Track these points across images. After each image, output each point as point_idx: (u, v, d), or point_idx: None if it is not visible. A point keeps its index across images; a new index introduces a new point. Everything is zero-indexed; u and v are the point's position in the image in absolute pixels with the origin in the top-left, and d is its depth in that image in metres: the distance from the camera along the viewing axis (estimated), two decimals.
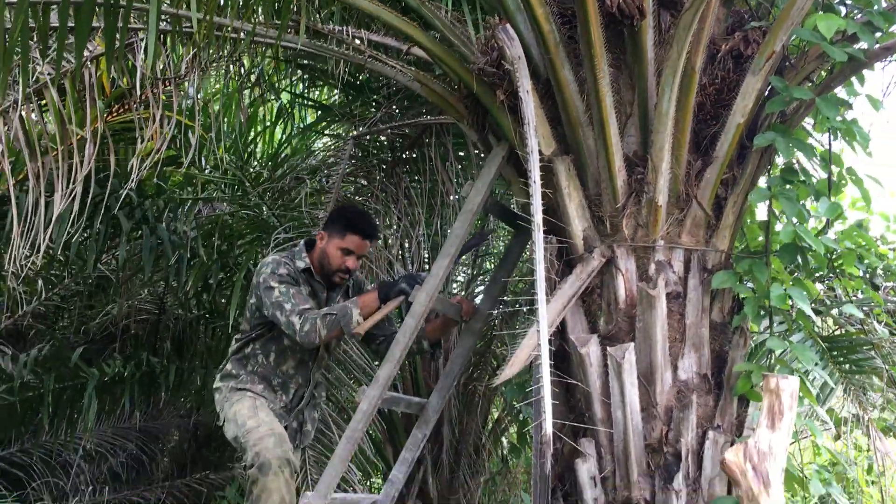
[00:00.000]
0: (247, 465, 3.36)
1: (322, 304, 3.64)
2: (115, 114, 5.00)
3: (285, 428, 3.54)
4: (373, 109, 5.26)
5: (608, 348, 3.12)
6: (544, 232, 3.19)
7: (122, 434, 6.02)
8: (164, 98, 4.06)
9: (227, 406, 3.54)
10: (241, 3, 3.54)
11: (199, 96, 5.16)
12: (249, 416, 3.45)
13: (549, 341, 3.14)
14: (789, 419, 2.34)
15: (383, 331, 3.70)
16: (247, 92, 5.77)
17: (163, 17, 3.75)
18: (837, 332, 4.90)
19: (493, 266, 6.20)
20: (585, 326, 3.29)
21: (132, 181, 3.79)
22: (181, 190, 5.62)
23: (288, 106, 5.94)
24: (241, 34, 3.66)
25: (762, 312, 3.13)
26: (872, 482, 6.64)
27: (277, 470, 3.27)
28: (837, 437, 5.07)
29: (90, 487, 5.60)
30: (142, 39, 3.95)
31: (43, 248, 3.58)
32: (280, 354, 3.60)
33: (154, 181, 5.34)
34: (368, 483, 6.16)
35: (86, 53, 3.74)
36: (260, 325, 3.59)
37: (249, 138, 5.71)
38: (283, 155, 5.65)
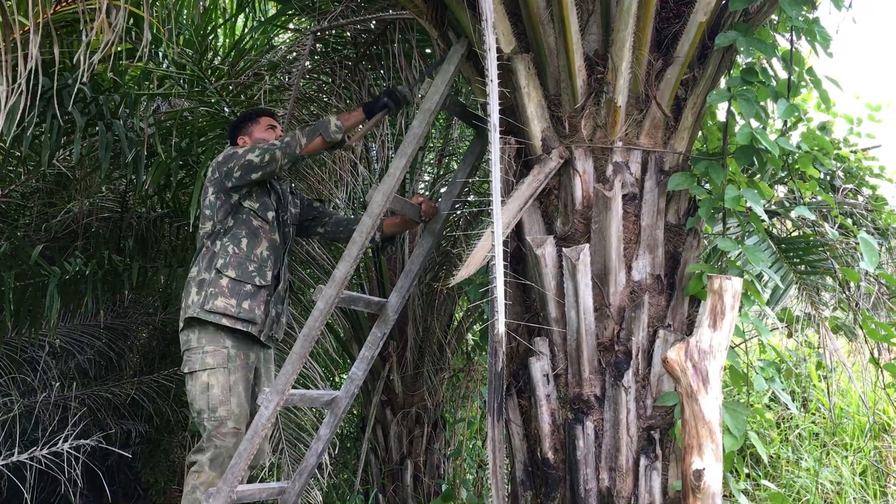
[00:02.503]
0: (201, 447, 3.43)
1: (279, 195, 3.80)
2: (64, 3, 4.79)
3: (265, 316, 3.58)
4: (336, 3, 5.08)
5: (563, 249, 3.15)
6: (503, 132, 3.17)
7: (88, 332, 6.05)
8: None
9: (197, 360, 3.49)
10: None
11: None
12: (222, 402, 3.44)
13: (506, 242, 3.16)
14: (730, 319, 2.39)
15: (326, 213, 3.96)
16: None
17: None
18: (794, 234, 4.97)
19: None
20: (542, 227, 3.30)
21: (82, 74, 3.66)
22: (138, 85, 5.45)
23: None
24: None
25: (717, 214, 3.16)
26: (824, 377, 6.88)
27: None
28: (790, 335, 5.20)
29: (58, 383, 5.66)
30: None
31: None
32: (252, 238, 3.60)
33: (109, 76, 5.17)
34: (335, 380, 6.28)
35: None
36: (225, 215, 3.59)
37: (208, 31, 5.51)
38: (243, 48, 5.47)
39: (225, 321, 3.48)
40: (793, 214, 4.08)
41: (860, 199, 4.93)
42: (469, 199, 5.30)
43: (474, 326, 6.31)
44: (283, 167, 3.56)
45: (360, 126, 3.70)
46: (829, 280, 4.77)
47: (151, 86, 5.42)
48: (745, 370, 3.02)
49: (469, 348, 6.38)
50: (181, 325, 3.58)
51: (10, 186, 5.65)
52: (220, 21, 5.91)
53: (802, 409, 7.02)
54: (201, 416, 3.45)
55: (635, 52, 3.08)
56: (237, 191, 3.60)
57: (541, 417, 3.19)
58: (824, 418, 6.85)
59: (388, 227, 3.89)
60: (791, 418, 6.83)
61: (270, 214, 3.68)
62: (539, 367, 3.21)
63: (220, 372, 3.47)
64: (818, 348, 5.70)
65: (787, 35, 3.19)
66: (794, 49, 3.08)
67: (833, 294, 4.96)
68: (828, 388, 6.22)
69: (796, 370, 6.73)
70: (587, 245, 3.13)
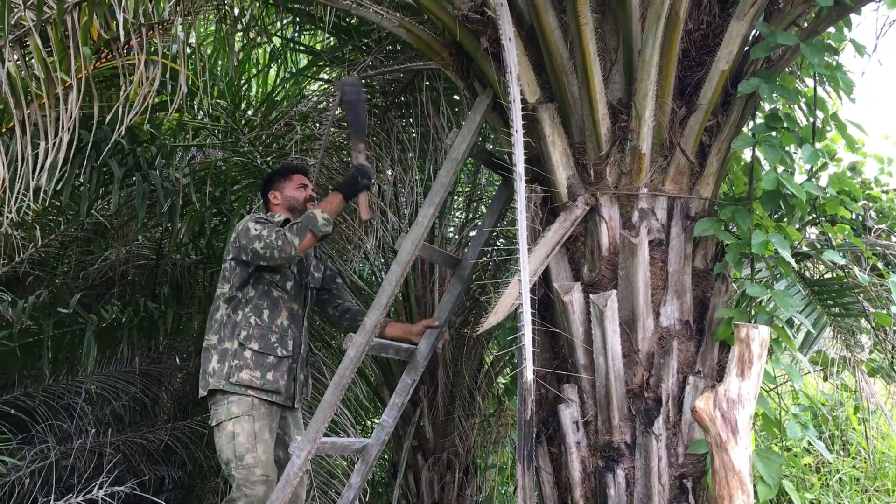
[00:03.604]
0: (232, 498, 3.46)
1: (301, 258, 3.81)
2: (104, 59, 4.96)
3: (290, 383, 3.61)
4: (364, 54, 5.20)
5: (591, 296, 3.16)
6: (529, 180, 3.22)
7: (123, 377, 6.13)
8: (154, 42, 4.03)
9: (223, 411, 3.52)
10: None
11: (188, 41, 5.11)
12: (248, 450, 3.46)
13: (533, 289, 3.19)
14: (758, 367, 2.38)
15: (340, 296, 3.95)
16: (238, 36, 5.71)
17: None
18: (828, 276, 4.92)
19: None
20: (569, 274, 3.32)
21: (121, 128, 3.78)
22: (173, 137, 5.60)
23: (280, 49, 5.88)
24: None
25: (745, 259, 3.15)
26: (864, 420, 6.75)
27: None
28: (825, 379, 5.12)
29: (93, 429, 5.72)
30: None
31: (31, 194, 3.60)
32: (273, 309, 3.63)
33: (146, 128, 5.33)
34: (366, 424, 6.28)
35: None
36: (243, 283, 3.61)
37: (241, 83, 5.66)
38: (275, 100, 5.61)
39: (251, 392, 3.53)
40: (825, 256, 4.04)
41: (894, 239, 4.88)
42: (498, 243, 5.33)
43: (505, 370, 6.29)
44: (283, 263, 3.59)
45: (355, 205, 3.69)
46: (864, 322, 4.71)
47: (187, 136, 5.56)
48: (778, 416, 2.98)
49: (500, 392, 6.35)
50: (203, 392, 3.61)
51: (50, 236, 5.79)
52: (253, 72, 6.07)
53: (843, 453, 6.87)
54: (229, 467, 3.47)
55: (658, 100, 3.12)
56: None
57: (571, 465, 3.17)
58: (865, 462, 6.70)
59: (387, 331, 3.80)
60: (831, 462, 6.68)
61: (290, 284, 3.70)
62: (568, 415, 3.20)
63: (244, 420, 3.49)
64: (855, 392, 5.60)
65: (811, 80, 3.21)
66: (817, 95, 3.09)
67: (869, 336, 4.89)
68: (866, 432, 6.09)
69: (833, 413, 6.60)
70: (614, 291, 3.14)
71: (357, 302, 4.03)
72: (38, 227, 5.67)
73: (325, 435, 3.47)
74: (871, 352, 5.05)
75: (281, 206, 3.85)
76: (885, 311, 4.12)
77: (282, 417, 3.70)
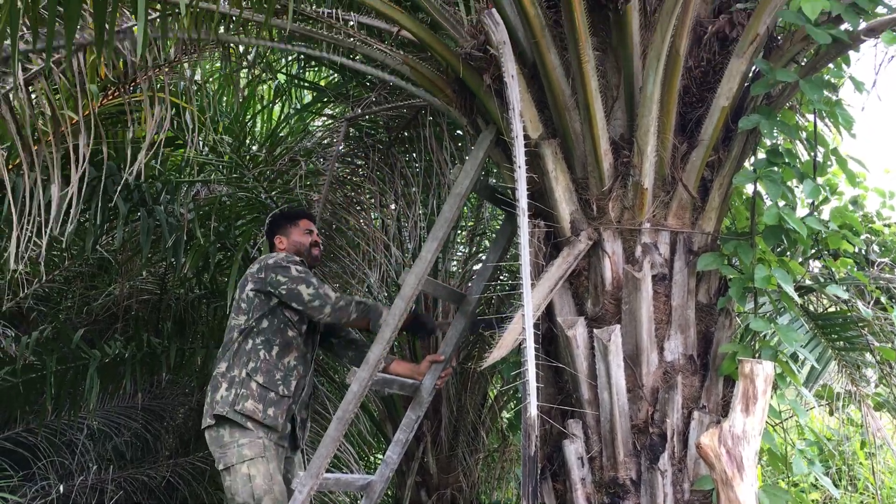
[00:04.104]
0: None
1: None
2: (111, 96, 5.02)
3: (287, 423, 3.60)
4: (368, 91, 5.26)
5: (595, 330, 3.16)
6: (532, 215, 3.23)
7: (125, 413, 6.11)
8: (160, 79, 4.08)
9: (234, 454, 3.50)
10: None
11: (195, 78, 5.17)
12: (266, 491, 3.45)
13: (537, 324, 3.19)
14: (763, 403, 2.38)
15: (345, 332, 3.97)
16: (243, 73, 5.78)
17: (152, 4, 3.76)
18: (832, 310, 4.91)
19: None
20: (573, 308, 3.32)
21: (133, 168, 3.83)
22: (178, 172, 5.65)
23: (285, 86, 5.95)
24: (231, 18, 3.67)
25: (748, 293, 3.15)
26: (871, 454, 6.69)
27: None
28: (831, 413, 5.09)
29: (95, 466, 5.70)
30: (132, 26, 3.97)
31: (46, 233, 3.63)
32: (284, 348, 3.62)
33: (152, 163, 5.37)
34: (369, 460, 6.24)
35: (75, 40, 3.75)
36: (261, 316, 3.62)
37: (246, 119, 5.72)
38: (279, 135, 5.66)
39: (250, 424, 3.52)
40: (826, 291, 4.05)
41: None
42: (502, 278, 5.34)
43: (509, 405, 6.27)
44: (322, 320, 3.62)
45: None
46: (869, 356, 4.69)
47: (192, 172, 5.60)
48: (784, 452, 2.97)
49: (504, 427, 6.32)
50: (209, 420, 3.57)
51: (55, 271, 5.81)
52: (258, 108, 6.14)
53: (850, 489, 6.81)
54: None
55: (660, 135, 3.14)
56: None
57: (576, 501, 3.15)
58: (872, 497, 6.63)
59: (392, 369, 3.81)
60: (838, 498, 6.61)
61: (304, 327, 3.69)
62: (573, 450, 3.18)
63: (259, 462, 3.47)
64: (861, 426, 5.56)
65: (812, 115, 3.24)
66: (817, 130, 3.12)
67: (875, 370, 4.87)
68: (873, 467, 6.04)
69: (840, 448, 6.55)
70: (618, 326, 3.14)
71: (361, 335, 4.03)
72: (42, 263, 5.70)
73: (328, 471, 3.45)
74: (876, 386, 5.04)
75: (287, 252, 3.85)
76: (889, 345, 4.11)
77: (286, 458, 3.68)
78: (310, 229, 3.95)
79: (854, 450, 7.03)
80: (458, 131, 5.44)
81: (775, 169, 3.05)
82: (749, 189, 3.33)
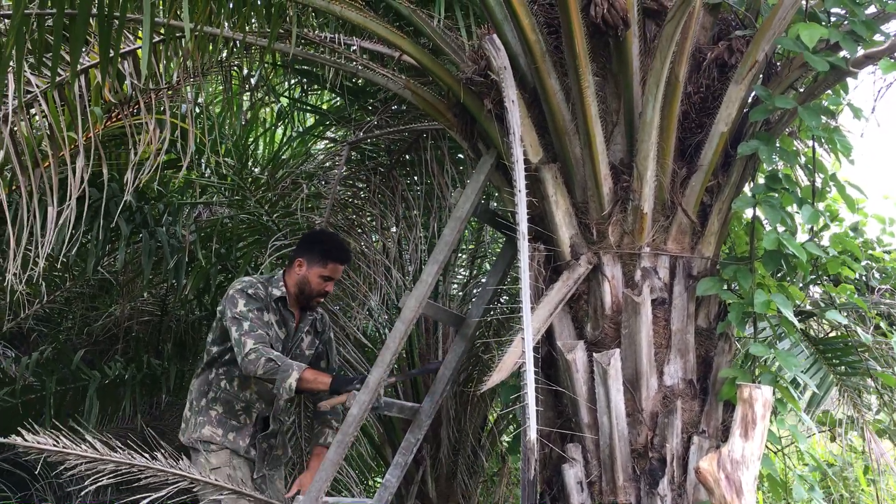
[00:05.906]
0: None
1: (291, 333, 3.75)
2: (113, 119, 5.05)
3: (251, 448, 3.61)
4: (370, 114, 5.30)
5: (594, 354, 3.16)
6: (532, 239, 3.24)
7: (124, 435, 6.08)
8: (165, 101, 4.10)
9: (201, 464, 3.52)
10: (232, 12, 3.58)
11: (197, 101, 5.21)
12: (234, 500, 3.42)
13: (537, 347, 3.19)
14: (762, 428, 2.37)
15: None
16: (246, 96, 5.82)
17: (156, 28, 3.80)
18: (832, 335, 4.91)
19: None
20: (572, 332, 3.32)
21: (131, 188, 3.84)
22: (180, 194, 5.67)
23: (287, 109, 5.99)
24: (235, 42, 3.71)
25: (747, 318, 3.16)
26: (873, 481, 6.65)
27: None
28: (833, 439, 5.07)
29: (93, 488, 5.66)
30: (136, 49, 4.01)
31: (43, 255, 3.64)
32: (244, 380, 3.63)
33: (154, 186, 5.39)
34: (369, 483, 6.20)
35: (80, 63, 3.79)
36: (225, 346, 3.61)
37: (249, 141, 5.75)
38: (282, 158, 5.69)
39: (213, 447, 3.55)
40: (826, 317, 4.05)
41: None
42: (501, 301, 5.34)
43: (508, 429, 6.24)
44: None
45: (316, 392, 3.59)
46: (870, 382, 4.68)
47: (194, 194, 5.62)
48: (785, 478, 2.96)
49: (503, 451, 6.29)
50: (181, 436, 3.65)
51: (56, 292, 5.82)
52: (260, 131, 6.17)
53: None
54: None
55: (660, 160, 3.16)
56: None
57: None
58: None
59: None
60: None
61: None
62: (573, 475, 3.17)
63: (224, 471, 3.51)
64: (864, 452, 5.54)
65: (810, 142, 3.26)
66: (816, 156, 3.14)
67: (876, 396, 4.86)
68: (877, 494, 6.00)
69: (843, 475, 6.51)
70: (618, 350, 3.14)
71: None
72: (43, 283, 5.71)
73: (329, 494, 3.44)
74: (877, 412, 5.02)
75: (294, 278, 3.72)
76: (890, 371, 4.10)
77: (259, 475, 3.69)
78: (331, 278, 3.71)
79: (856, 476, 6.98)
80: (460, 155, 5.47)
81: (774, 194, 3.07)
82: (748, 214, 3.34)
